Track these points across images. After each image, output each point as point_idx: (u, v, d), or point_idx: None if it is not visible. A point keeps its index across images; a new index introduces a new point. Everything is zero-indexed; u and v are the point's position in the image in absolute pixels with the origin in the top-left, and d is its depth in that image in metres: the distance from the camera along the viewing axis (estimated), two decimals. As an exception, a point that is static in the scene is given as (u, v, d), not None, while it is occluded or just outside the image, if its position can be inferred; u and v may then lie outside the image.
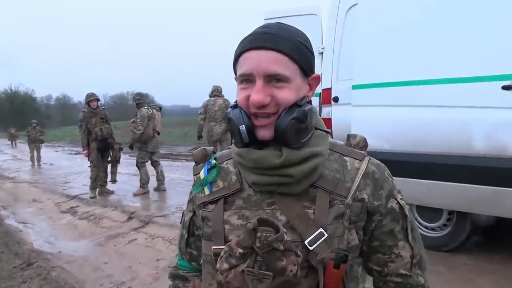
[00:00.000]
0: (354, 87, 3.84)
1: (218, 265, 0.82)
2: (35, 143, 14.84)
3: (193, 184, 1.03)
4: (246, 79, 0.85)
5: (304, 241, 0.82)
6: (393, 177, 0.98)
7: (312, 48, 0.91)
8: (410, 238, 0.93)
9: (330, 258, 0.80)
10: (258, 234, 0.78)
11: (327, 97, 4.35)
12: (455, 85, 3.22)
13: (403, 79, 3.52)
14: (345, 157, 0.91)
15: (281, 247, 0.77)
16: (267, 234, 0.78)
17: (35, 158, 14.56)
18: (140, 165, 7.63)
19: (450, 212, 3.74)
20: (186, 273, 1.11)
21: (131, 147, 7.71)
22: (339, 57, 4.25)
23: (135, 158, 7.84)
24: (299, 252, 0.79)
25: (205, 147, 1.07)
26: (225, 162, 0.99)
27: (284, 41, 0.83)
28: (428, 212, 3.77)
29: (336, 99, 4.25)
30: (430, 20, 3.42)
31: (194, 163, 1.06)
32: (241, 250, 0.78)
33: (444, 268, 3.40)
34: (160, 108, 8.19)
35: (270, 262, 0.77)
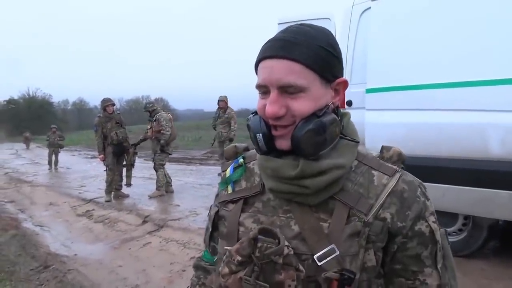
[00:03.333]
0: (368, 91, 3.83)
1: (220, 268, 0.81)
2: (53, 147, 15.09)
3: (220, 181, 1.01)
4: (262, 91, 0.83)
5: (313, 255, 0.78)
6: None
7: (337, 50, 0.84)
8: (439, 266, 0.84)
9: (334, 278, 0.75)
10: (259, 244, 0.76)
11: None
12: (469, 88, 3.19)
13: (417, 83, 3.49)
14: (373, 171, 0.85)
15: (280, 261, 0.74)
16: (268, 246, 0.76)
17: (53, 162, 14.79)
18: (158, 167, 7.79)
19: (466, 217, 3.69)
20: (208, 265, 1.09)
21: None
22: (353, 61, 4.24)
23: (153, 161, 8.00)
24: (301, 267, 0.76)
25: (236, 144, 1.05)
26: (252, 162, 0.97)
27: (300, 48, 0.78)
28: (443, 217, 3.73)
29: (349, 103, 4.24)
30: (444, 23, 3.39)
31: (219, 163, 1.04)
32: (239, 258, 0.77)
33: (460, 273, 3.32)
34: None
35: (267, 273, 0.75)
